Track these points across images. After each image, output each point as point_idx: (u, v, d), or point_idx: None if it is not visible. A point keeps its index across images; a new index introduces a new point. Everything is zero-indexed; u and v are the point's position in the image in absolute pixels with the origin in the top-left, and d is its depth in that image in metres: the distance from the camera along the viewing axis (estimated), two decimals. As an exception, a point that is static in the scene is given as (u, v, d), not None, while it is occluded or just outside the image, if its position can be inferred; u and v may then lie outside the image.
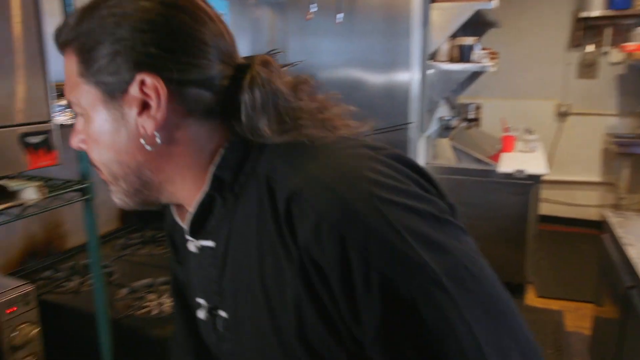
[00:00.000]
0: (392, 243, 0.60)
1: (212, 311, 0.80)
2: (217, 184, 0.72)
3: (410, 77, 2.81)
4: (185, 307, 0.95)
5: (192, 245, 0.81)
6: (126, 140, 0.70)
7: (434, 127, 3.70)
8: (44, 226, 2.01)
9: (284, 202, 0.65)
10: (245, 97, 0.69)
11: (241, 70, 0.71)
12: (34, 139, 1.16)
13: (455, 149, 3.75)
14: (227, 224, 0.74)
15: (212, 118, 0.72)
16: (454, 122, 4.11)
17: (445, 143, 3.78)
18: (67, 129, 1.33)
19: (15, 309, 1.37)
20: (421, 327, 0.59)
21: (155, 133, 0.69)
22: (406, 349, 0.61)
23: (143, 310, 1.62)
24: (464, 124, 4.38)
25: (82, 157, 1.30)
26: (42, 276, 1.88)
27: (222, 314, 0.78)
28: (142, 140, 0.70)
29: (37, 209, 1.18)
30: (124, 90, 0.68)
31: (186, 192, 0.75)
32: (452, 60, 3.44)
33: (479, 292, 0.62)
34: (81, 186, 1.30)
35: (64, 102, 1.65)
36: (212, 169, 0.72)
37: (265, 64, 0.71)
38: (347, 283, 0.61)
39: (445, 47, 3.40)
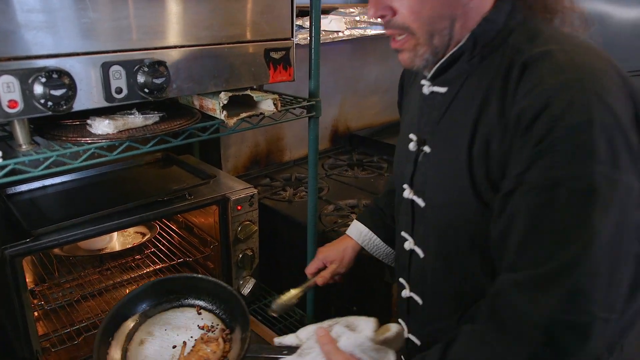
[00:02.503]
0: (585, 143, 0.66)
1: (419, 145, 0.94)
2: (472, 42, 0.82)
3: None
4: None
5: (426, 88, 0.93)
6: None
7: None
8: (267, 139, 2.22)
9: (520, 66, 0.75)
10: None
11: None
12: (276, 55, 1.25)
13: None
14: (463, 78, 0.85)
15: None
16: None
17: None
18: (301, 48, 1.41)
19: (240, 207, 1.56)
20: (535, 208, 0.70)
21: None
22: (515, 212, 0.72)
23: (347, 228, 1.72)
24: None
25: (313, 76, 1.37)
26: (261, 183, 2.10)
27: (426, 149, 0.91)
28: None
29: (271, 120, 1.29)
30: None
31: (450, 45, 0.84)
32: None
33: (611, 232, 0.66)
34: (309, 103, 1.38)
35: (300, 22, 1.74)
36: (474, 27, 0.82)
37: None
38: (527, 144, 0.71)
39: None
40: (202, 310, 1.24)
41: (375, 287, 1.58)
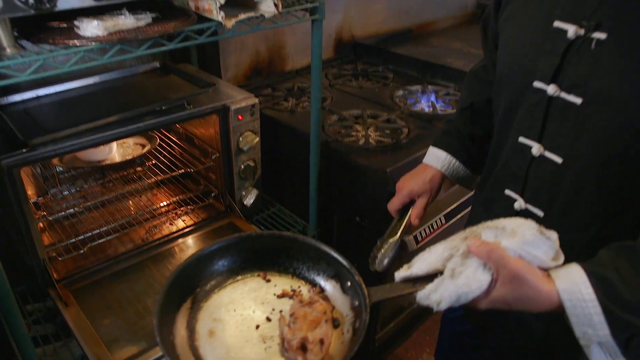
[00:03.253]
0: None
1: (587, 32, 0.79)
2: None
3: None
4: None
5: None
6: None
7: None
8: (269, 47, 2.13)
9: None
10: None
11: None
12: (275, -51, 1.16)
13: None
14: None
15: None
16: None
17: None
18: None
19: (242, 117, 1.51)
20: None
21: None
22: None
23: (350, 138, 1.68)
24: None
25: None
26: (263, 93, 2.04)
27: (599, 35, 0.78)
28: None
29: (272, 23, 1.22)
30: None
31: None
32: None
33: None
34: (312, 5, 1.29)
35: None
36: None
37: None
38: None
39: None
40: (268, 276, 0.95)
41: (378, 196, 1.57)
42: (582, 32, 0.80)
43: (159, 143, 1.77)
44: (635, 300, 0.68)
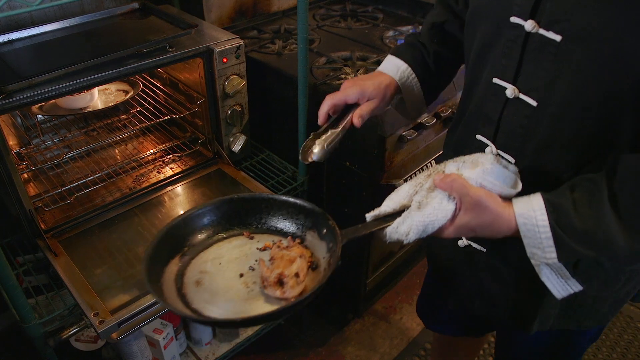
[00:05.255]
0: None
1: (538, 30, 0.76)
2: None
3: None
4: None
5: None
6: None
7: None
8: (252, -14, 2.04)
9: None
10: None
11: None
12: None
13: None
14: None
15: None
16: None
17: None
18: None
19: (226, 60, 1.46)
20: None
21: None
22: None
23: (339, 81, 1.64)
24: None
25: None
26: (248, 35, 1.97)
27: (552, 36, 0.75)
28: None
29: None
30: None
31: None
32: None
33: None
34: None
35: None
36: None
37: None
38: None
39: None
40: (253, 234, 0.97)
41: (367, 139, 1.54)
42: None
43: (142, 89, 1.71)
44: (583, 229, 0.72)
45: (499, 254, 0.98)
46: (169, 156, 1.66)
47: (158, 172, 1.60)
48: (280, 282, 0.81)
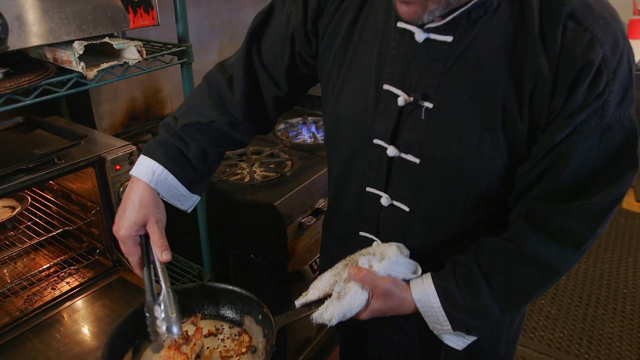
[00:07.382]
0: (628, 84, 0.76)
1: (416, 101, 0.84)
2: None
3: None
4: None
5: (418, 35, 0.82)
6: None
7: None
8: (144, 92, 2.08)
9: (564, 16, 0.73)
10: None
11: None
12: (134, -3, 1.15)
13: None
14: (476, 26, 0.78)
15: None
16: None
17: None
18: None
19: (119, 167, 1.46)
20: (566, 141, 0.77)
21: None
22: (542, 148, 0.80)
23: (236, 177, 1.68)
24: None
25: (180, 19, 1.28)
26: (142, 139, 1.98)
27: (427, 104, 0.84)
28: None
29: (139, 70, 1.20)
30: None
31: None
32: None
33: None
34: (179, 49, 1.29)
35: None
36: None
37: None
38: (576, 90, 0.74)
39: None
40: (197, 320, 1.04)
41: (269, 231, 1.57)
42: (411, 99, 0.84)
43: (32, 202, 1.65)
44: (467, 306, 0.88)
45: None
46: (65, 270, 1.58)
47: (53, 289, 1.51)
48: None
